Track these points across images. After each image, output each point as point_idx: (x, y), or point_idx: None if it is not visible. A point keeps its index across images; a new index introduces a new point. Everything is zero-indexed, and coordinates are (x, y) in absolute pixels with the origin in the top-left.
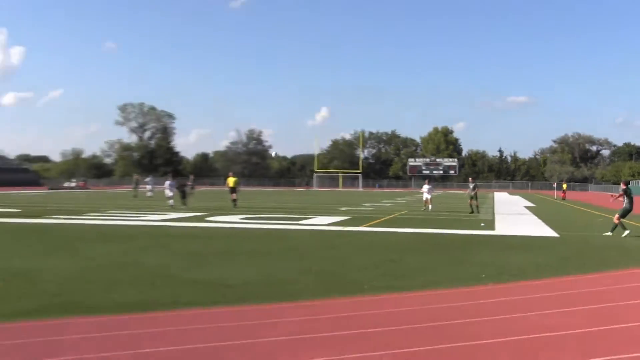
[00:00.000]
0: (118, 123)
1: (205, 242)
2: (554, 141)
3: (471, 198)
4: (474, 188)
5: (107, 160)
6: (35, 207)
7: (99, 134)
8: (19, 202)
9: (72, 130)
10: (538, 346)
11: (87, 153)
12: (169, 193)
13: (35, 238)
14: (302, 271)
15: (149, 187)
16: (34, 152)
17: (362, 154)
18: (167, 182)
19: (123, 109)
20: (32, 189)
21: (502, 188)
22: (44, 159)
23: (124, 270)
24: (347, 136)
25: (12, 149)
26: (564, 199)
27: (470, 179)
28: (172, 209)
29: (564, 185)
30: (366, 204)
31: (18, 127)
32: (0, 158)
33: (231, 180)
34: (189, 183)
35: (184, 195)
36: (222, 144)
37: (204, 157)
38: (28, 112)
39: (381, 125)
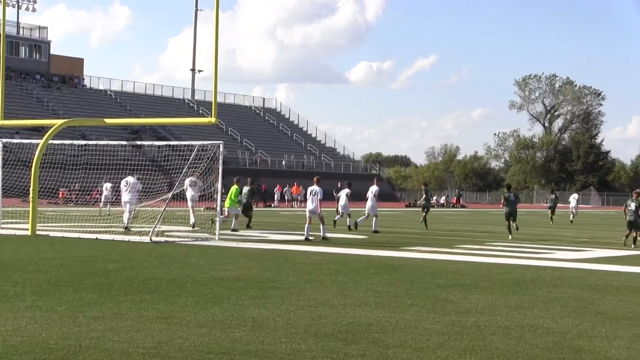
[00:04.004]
0: (514, 106)
1: None
2: None
3: None
4: None
5: (495, 165)
6: (385, 233)
7: (482, 123)
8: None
9: (441, 118)
10: None
11: (463, 152)
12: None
13: (380, 278)
14: None
15: (571, 206)
16: (386, 150)
17: None
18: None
19: (522, 84)
20: (384, 205)
21: None
22: (401, 161)
23: (511, 334)
24: None
25: (355, 147)
26: None
27: None
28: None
29: None
30: None
31: (367, 112)
32: (341, 159)
33: None
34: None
35: None
36: None
37: None
38: (382, 91)
39: None
